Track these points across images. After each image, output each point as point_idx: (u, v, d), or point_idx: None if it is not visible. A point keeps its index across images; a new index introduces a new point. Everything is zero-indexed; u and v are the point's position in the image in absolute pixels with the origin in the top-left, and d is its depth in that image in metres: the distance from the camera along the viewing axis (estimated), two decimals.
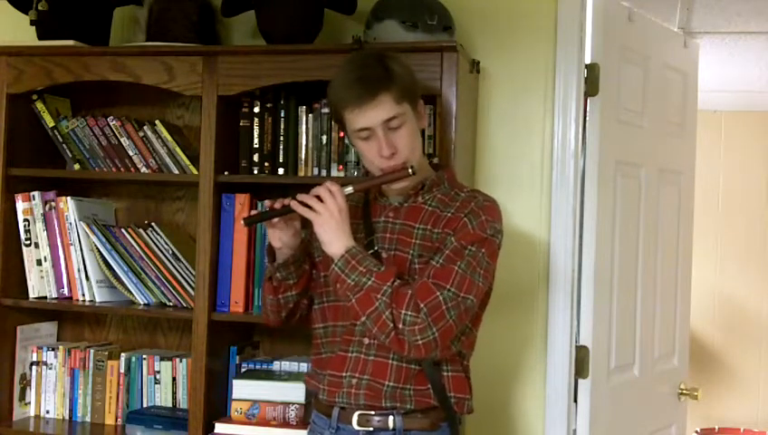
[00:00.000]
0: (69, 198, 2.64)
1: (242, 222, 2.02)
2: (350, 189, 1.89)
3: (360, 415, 1.89)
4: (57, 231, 2.65)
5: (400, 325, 1.77)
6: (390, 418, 1.87)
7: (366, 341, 1.89)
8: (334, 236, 1.83)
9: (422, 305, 1.77)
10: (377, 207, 1.99)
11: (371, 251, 1.89)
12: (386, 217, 1.96)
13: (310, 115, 2.48)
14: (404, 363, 1.87)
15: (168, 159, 2.56)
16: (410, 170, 1.87)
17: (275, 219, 1.92)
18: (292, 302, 2.03)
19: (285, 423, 2.39)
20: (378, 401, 1.87)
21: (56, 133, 2.64)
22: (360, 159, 2.05)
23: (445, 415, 1.91)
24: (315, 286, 2.02)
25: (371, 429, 1.88)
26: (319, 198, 1.85)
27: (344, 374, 1.90)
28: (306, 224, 1.95)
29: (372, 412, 1.88)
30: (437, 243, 1.87)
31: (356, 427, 1.89)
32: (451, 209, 1.91)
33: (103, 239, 2.59)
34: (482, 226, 1.86)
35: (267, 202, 1.96)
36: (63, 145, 2.64)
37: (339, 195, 1.85)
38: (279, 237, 1.94)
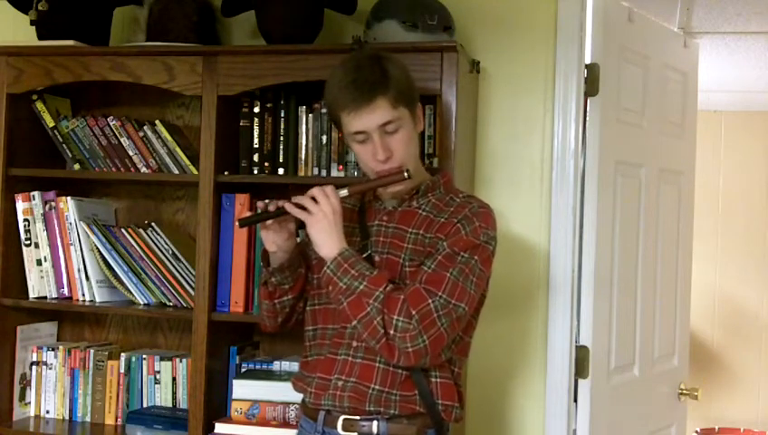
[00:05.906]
0: (69, 198, 2.64)
1: (237, 223, 2.01)
2: (344, 192, 1.88)
3: (344, 420, 1.87)
4: (57, 231, 2.65)
5: (391, 331, 1.76)
6: (375, 423, 1.85)
7: (354, 344, 1.87)
8: (327, 238, 1.82)
9: (414, 312, 1.75)
10: (372, 210, 1.99)
11: (366, 254, 1.88)
12: (380, 221, 1.95)
13: (310, 115, 2.48)
14: (391, 367, 1.84)
15: (167, 159, 2.56)
16: (406, 174, 1.86)
17: (269, 221, 1.90)
18: (288, 306, 2.02)
19: (285, 423, 2.39)
20: (362, 405, 1.85)
21: (56, 133, 2.64)
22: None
23: (431, 422, 1.87)
24: (308, 289, 2.02)
25: (356, 434, 1.87)
26: (314, 199, 1.84)
27: (332, 377, 1.88)
28: (302, 227, 1.95)
29: (357, 417, 1.86)
30: (429, 247, 1.86)
31: (341, 432, 1.87)
32: (445, 215, 1.89)
33: (103, 239, 2.59)
34: (475, 232, 1.84)
35: (260, 204, 1.93)
36: (63, 145, 2.64)
37: (333, 196, 1.84)
38: (273, 240, 1.92)
